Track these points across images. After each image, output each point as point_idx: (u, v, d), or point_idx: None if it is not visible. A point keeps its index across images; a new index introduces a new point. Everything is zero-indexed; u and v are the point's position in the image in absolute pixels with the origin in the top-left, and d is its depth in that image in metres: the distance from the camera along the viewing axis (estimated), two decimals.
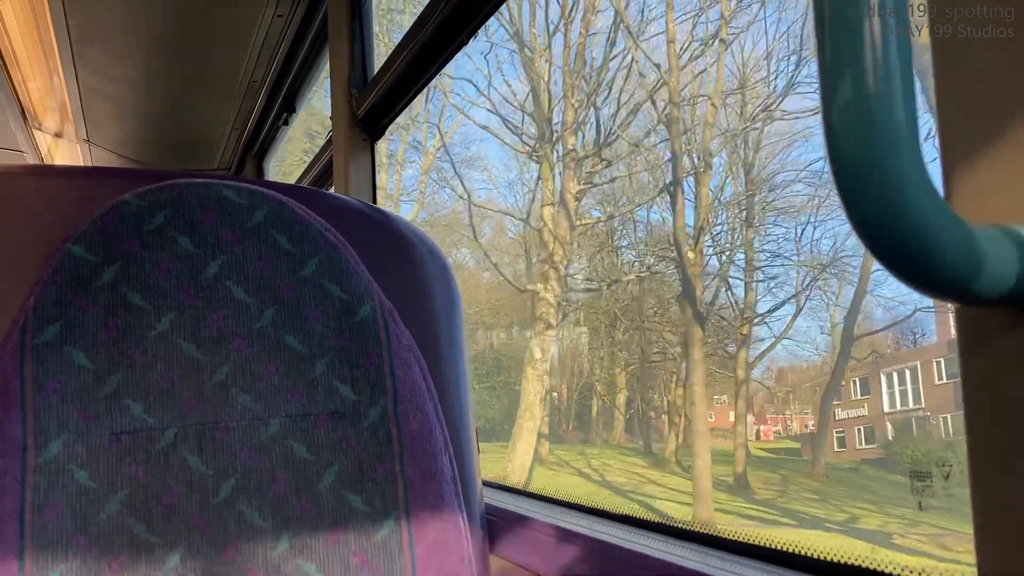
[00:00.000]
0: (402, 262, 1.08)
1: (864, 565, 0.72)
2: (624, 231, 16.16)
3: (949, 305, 0.50)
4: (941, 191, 0.51)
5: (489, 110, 16.18)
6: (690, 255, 13.21)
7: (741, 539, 0.88)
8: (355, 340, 0.93)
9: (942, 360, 12.61)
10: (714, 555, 0.87)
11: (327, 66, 2.09)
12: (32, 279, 0.86)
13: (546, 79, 14.76)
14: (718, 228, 14.53)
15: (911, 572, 0.68)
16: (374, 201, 1.88)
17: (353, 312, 0.94)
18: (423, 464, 0.92)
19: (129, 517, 0.82)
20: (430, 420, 0.94)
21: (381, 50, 1.89)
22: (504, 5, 1.44)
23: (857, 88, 0.41)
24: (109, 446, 0.82)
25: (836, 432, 14.41)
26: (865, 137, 0.41)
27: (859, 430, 14.24)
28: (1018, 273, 0.44)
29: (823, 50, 0.42)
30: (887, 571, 0.72)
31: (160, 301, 0.88)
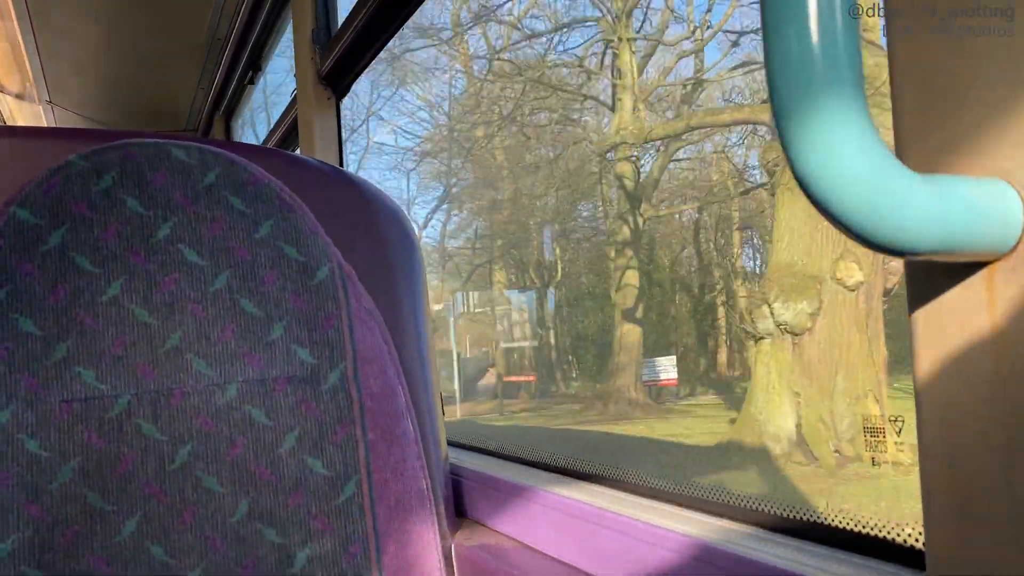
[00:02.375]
0: (362, 223, 1.06)
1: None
2: None
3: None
4: (892, 144, 0.50)
5: None
6: None
7: (708, 497, 0.87)
8: (313, 303, 0.92)
9: None
10: (685, 513, 0.87)
11: (291, 22, 2.04)
12: None
13: None
14: None
15: None
16: (340, 160, 1.85)
17: (311, 274, 0.92)
18: (384, 427, 0.91)
19: (82, 485, 0.80)
20: (391, 382, 0.93)
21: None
22: None
23: (800, 40, 0.39)
24: (60, 414, 0.81)
25: None
26: (808, 90, 0.40)
27: None
28: (968, 224, 0.44)
29: (766, 1, 0.40)
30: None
31: (110, 265, 0.86)
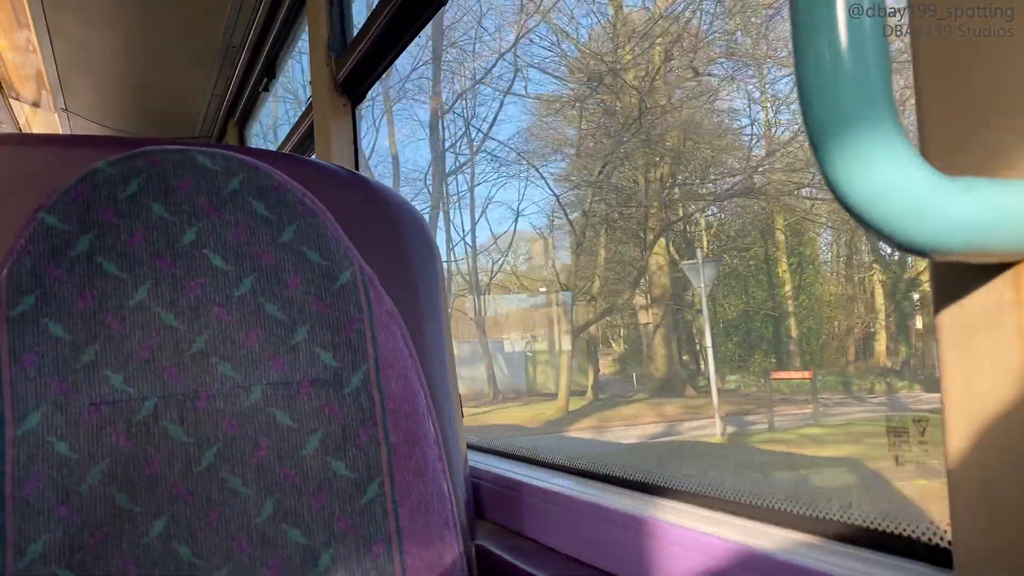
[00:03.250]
0: (382, 227, 1.07)
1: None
2: None
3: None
4: (916, 146, 0.51)
5: None
6: None
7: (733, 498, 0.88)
8: (335, 306, 0.93)
9: None
10: (712, 517, 0.88)
11: (307, 29, 2.06)
12: (6, 250, 0.84)
13: None
14: None
15: None
16: (356, 166, 1.86)
17: (333, 278, 0.93)
18: (406, 429, 0.92)
19: (111, 487, 0.81)
20: (412, 385, 0.94)
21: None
22: None
23: (830, 46, 0.40)
24: (89, 417, 0.82)
25: None
26: (838, 94, 0.41)
27: None
28: (994, 225, 0.44)
29: (796, 8, 0.41)
30: None
31: (136, 270, 0.87)
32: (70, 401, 0.82)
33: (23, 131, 3.54)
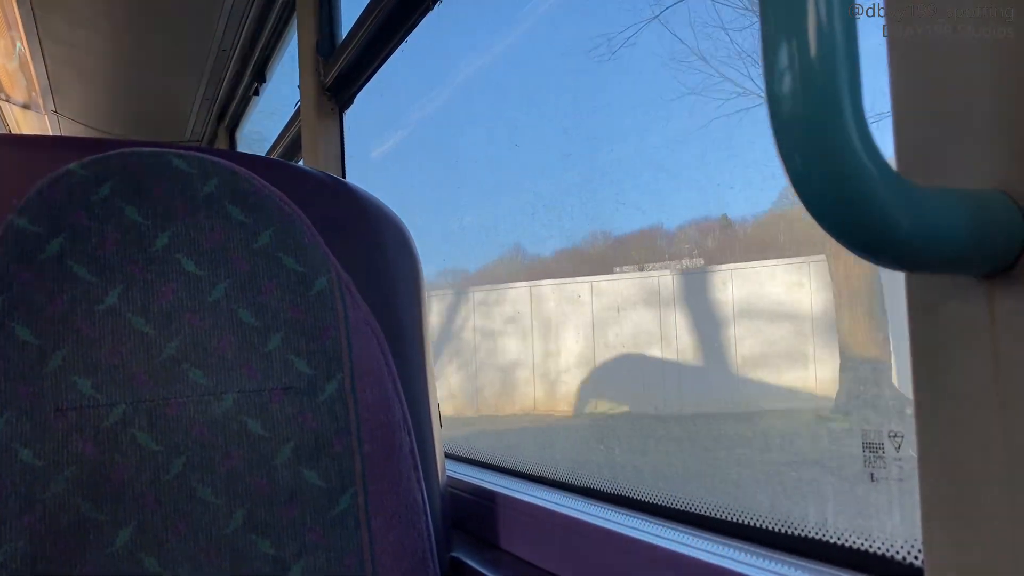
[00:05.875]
0: (362, 234, 1.06)
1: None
2: None
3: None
4: (892, 157, 0.50)
5: None
6: None
7: (709, 514, 0.87)
8: (311, 313, 0.91)
9: None
10: (683, 531, 0.86)
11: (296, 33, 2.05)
12: None
13: None
14: None
15: None
16: (342, 171, 1.85)
17: (309, 285, 0.92)
18: (380, 438, 0.91)
19: (76, 495, 0.80)
20: (388, 393, 0.93)
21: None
22: None
23: (799, 53, 0.39)
24: (55, 423, 0.80)
25: None
26: (807, 102, 0.39)
27: None
28: (968, 237, 0.43)
29: (765, 14, 0.40)
30: None
31: (108, 274, 0.85)
32: (36, 407, 0.80)
33: (12, 132, 3.52)
